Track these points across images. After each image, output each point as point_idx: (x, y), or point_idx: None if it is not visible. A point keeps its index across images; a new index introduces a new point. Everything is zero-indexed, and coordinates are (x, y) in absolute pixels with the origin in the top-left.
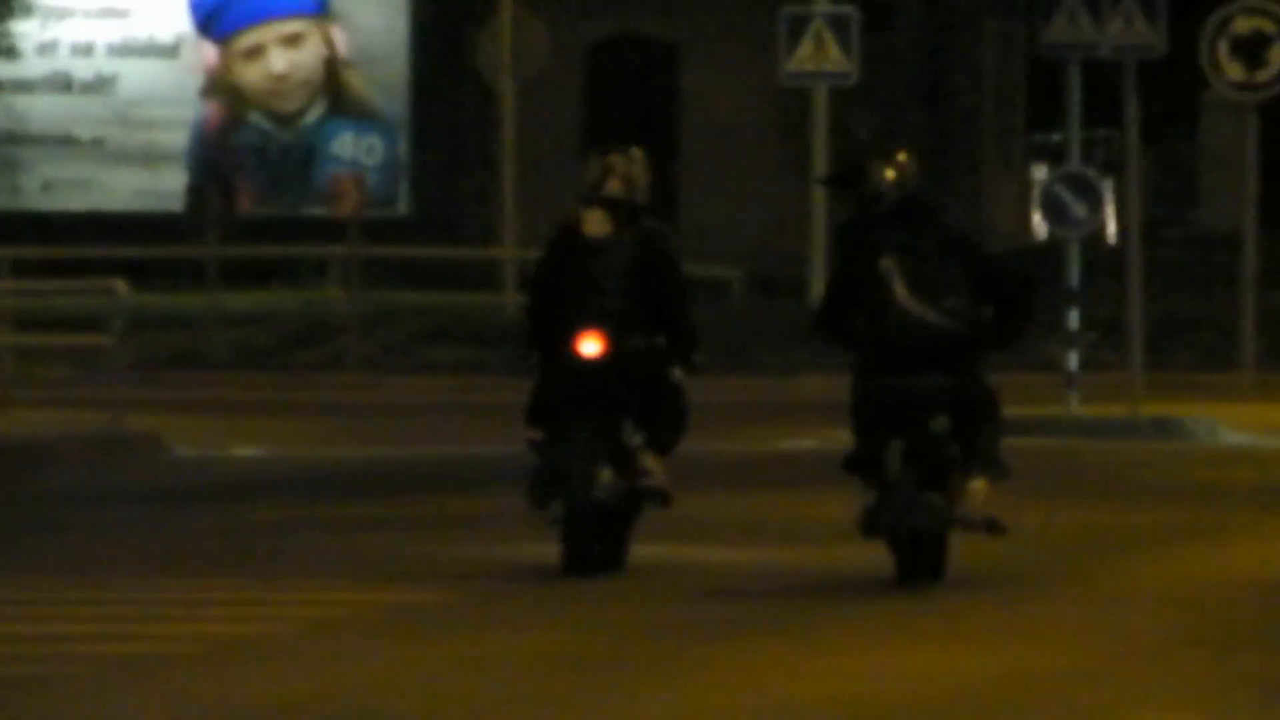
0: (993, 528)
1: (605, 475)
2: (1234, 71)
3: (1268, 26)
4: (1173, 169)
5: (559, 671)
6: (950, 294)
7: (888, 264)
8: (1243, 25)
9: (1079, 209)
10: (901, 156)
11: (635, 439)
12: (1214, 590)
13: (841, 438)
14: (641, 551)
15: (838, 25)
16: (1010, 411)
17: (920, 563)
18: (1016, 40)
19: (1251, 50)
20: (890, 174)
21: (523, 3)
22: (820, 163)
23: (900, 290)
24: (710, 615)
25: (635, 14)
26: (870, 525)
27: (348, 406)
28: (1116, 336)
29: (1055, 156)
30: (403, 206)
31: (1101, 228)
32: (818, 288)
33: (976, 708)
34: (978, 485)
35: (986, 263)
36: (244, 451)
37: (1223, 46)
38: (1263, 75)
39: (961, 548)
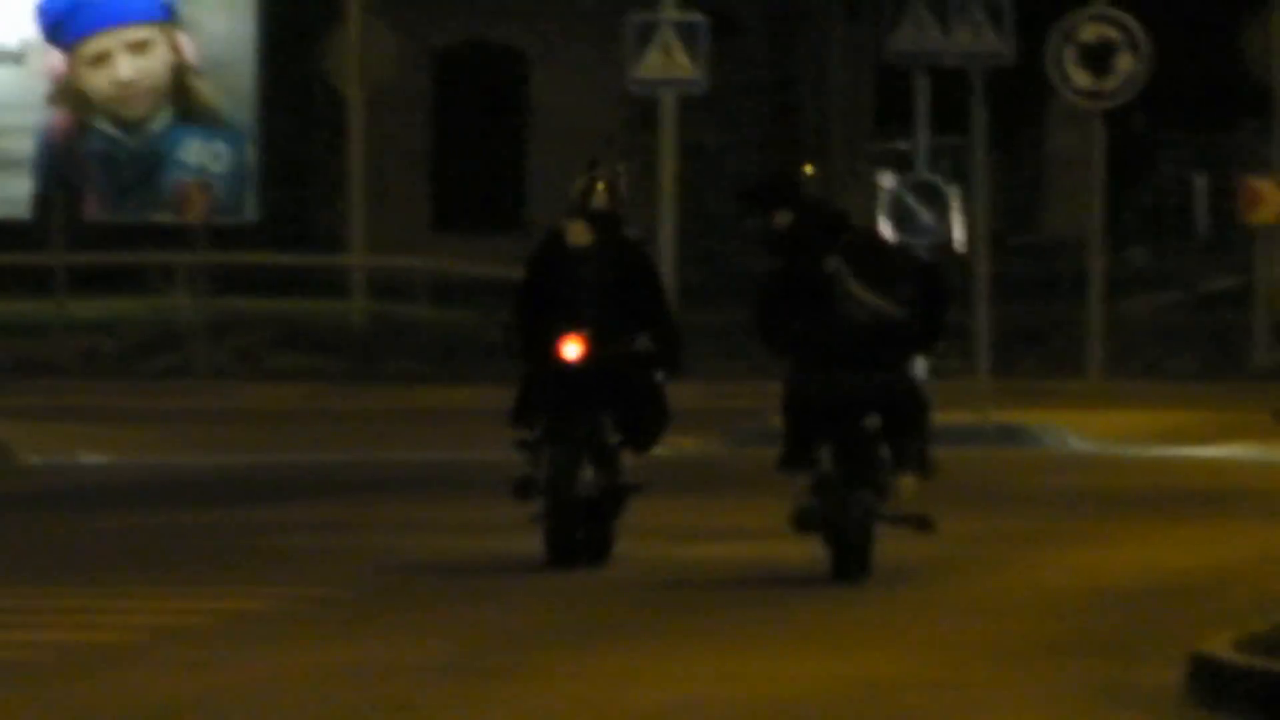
0: (922, 524)
1: (587, 473)
2: (1081, 79)
3: (1114, 35)
4: (1020, 177)
5: (405, 680)
6: (891, 292)
7: (836, 263)
8: (1089, 33)
9: (926, 216)
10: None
11: (614, 438)
12: (1062, 596)
13: (689, 445)
14: (514, 552)
15: (686, 33)
16: None
17: (851, 559)
18: (864, 48)
19: (1098, 58)
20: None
21: (371, 11)
22: (668, 169)
23: (854, 285)
24: (574, 621)
25: (484, 21)
26: (803, 521)
27: (196, 413)
28: (964, 344)
29: (903, 164)
30: (250, 213)
31: (949, 235)
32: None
33: (824, 713)
34: (907, 482)
35: (914, 264)
36: (92, 459)
37: (1069, 54)
38: (1109, 83)
39: (805, 554)
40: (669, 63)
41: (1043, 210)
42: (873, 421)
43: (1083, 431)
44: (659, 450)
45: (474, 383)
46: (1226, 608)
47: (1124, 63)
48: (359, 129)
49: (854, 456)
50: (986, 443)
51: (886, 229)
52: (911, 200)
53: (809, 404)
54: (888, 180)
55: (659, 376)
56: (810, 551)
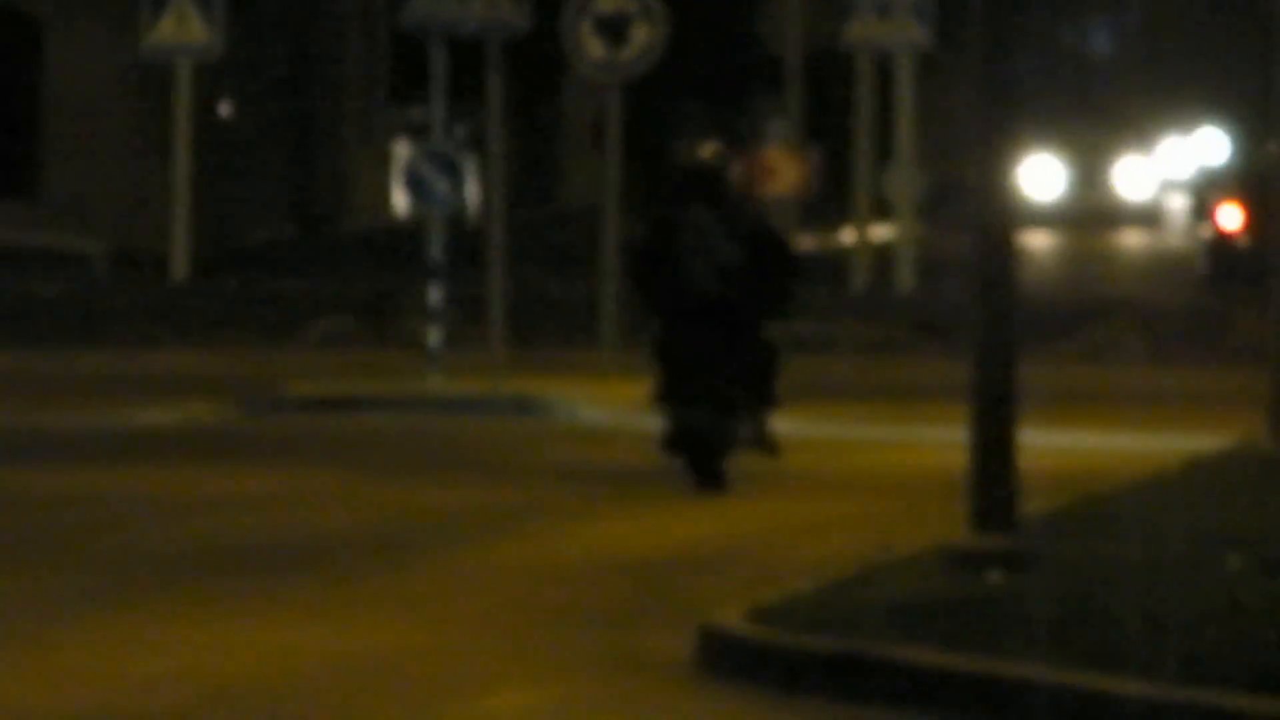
0: (770, 448)
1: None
2: (596, 50)
3: (630, 6)
4: (536, 147)
5: None
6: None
7: (699, 213)
8: (606, 4)
9: (441, 186)
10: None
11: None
12: (573, 566)
13: (197, 411)
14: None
15: (200, 0)
16: (371, 388)
17: (710, 476)
18: (379, 14)
19: (614, 29)
20: (709, 151)
21: None
22: (184, 138)
23: (713, 239)
24: (94, 589)
25: None
26: (671, 444)
27: None
28: (479, 313)
29: (419, 133)
30: None
31: (464, 205)
32: (179, 263)
33: (336, 684)
34: (761, 418)
35: (768, 236)
36: None
37: (586, 25)
38: (625, 54)
39: (291, 520)
40: (182, 29)
41: (559, 181)
42: (730, 364)
43: (596, 403)
44: (171, 417)
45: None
46: (736, 579)
47: (640, 34)
48: None
49: (714, 392)
50: (499, 412)
51: (401, 199)
52: (427, 170)
53: (677, 348)
54: (404, 150)
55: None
56: (339, 521)
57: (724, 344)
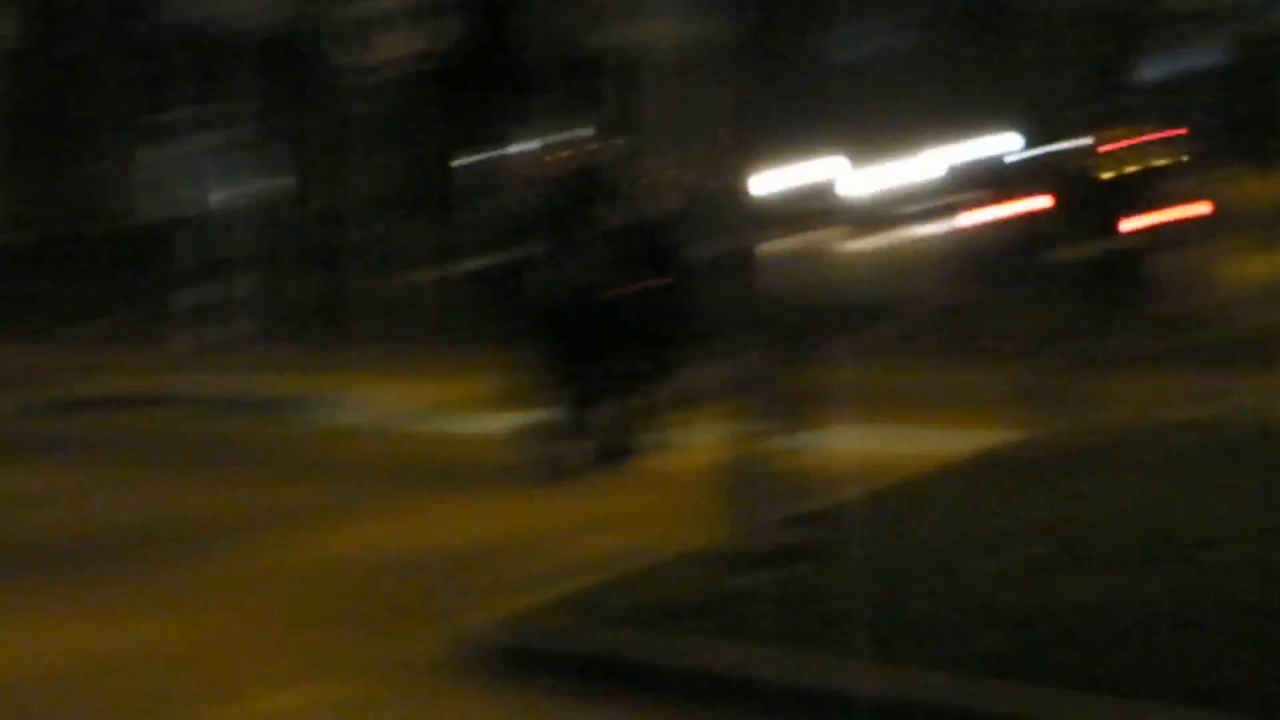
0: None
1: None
2: (364, 49)
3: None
4: (309, 146)
5: None
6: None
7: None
8: (372, 4)
9: (192, 187)
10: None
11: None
12: (336, 568)
13: None
14: None
15: None
16: (140, 385)
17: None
18: (134, 13)
19: (380, 27)
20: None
21: None
22: None
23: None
24: None
25: None
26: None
27: None
28: (234, 314)
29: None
30: None
31: (217, 206)
32: None
33: (95, 686)
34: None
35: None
36: None
37: (351, 24)
38: (384, 55)
39: (58, 519)
40: None
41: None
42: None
43: (356, 403)
44: None
45: None
46: (494, 582)
47: (399, 39)
48: None
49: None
50: (267, 411)
51: (155, 200)
52: (180, 171)
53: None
54: (158, 152)
55: None
56: (106, 520)
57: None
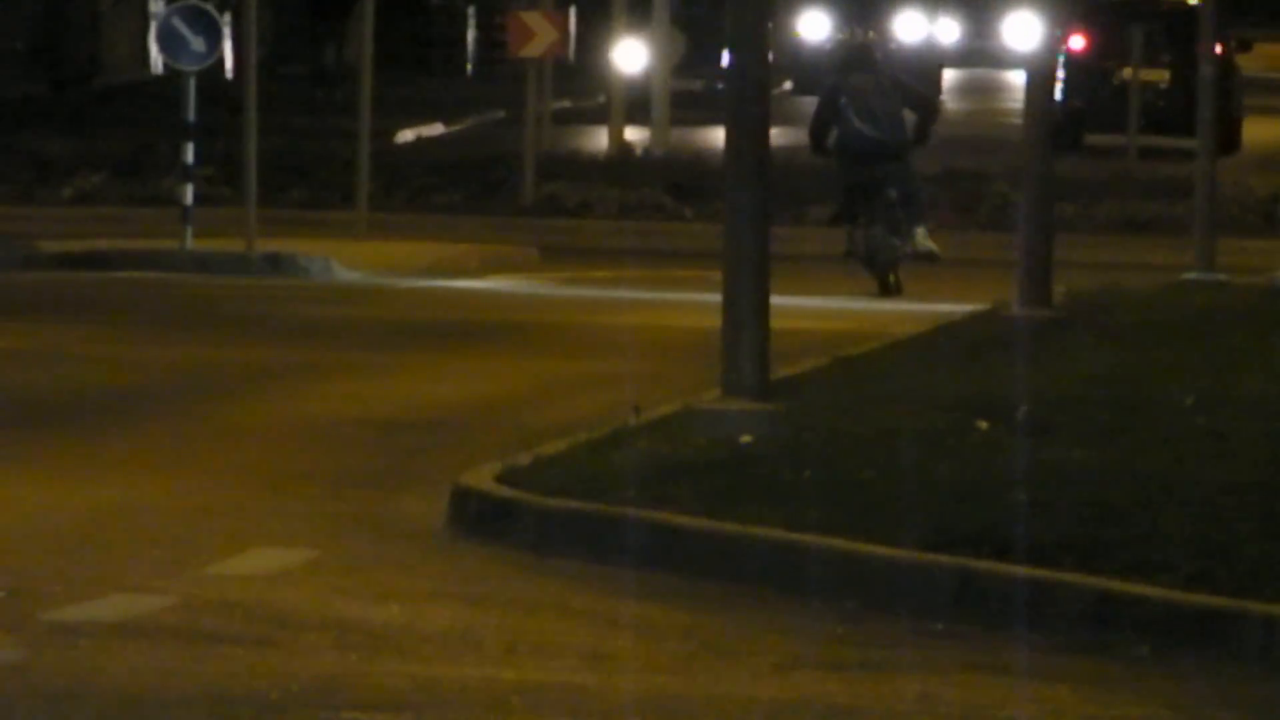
0: (932, 258)
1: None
2: None
3: None
4: (291, 6)
5: None
6: (886, 112)
7: (844, 100)
8: None
9: (196, 43)
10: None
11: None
12: (327, 426)
13: None
14: None
15: None
16: (125, 245)
17: (885, 283)
18: None
19: None
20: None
21: None
22: None
23: (853, 118)
24: None
25: None
26: (852, 254)
27: None
28: (235, 172)
29: None
30: None
31: (220, 61)
32: None
33: (81, 542)
34: (920, 230)
35: (907, 86)
36: None
37: None
38: None
39: (39, 377)
40: None
41: (315, 41)
42: (891, 194)
43: (350, 262)
44: None
45: None
46: (491, 440)
47: None
48: None
49: (884, 214)
50: (253, 272)
51: (157, 55)
52: (181, 26)
53: (852, 184)
54: (158, 6)
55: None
56: (87, 378)
57: (883, 175)
